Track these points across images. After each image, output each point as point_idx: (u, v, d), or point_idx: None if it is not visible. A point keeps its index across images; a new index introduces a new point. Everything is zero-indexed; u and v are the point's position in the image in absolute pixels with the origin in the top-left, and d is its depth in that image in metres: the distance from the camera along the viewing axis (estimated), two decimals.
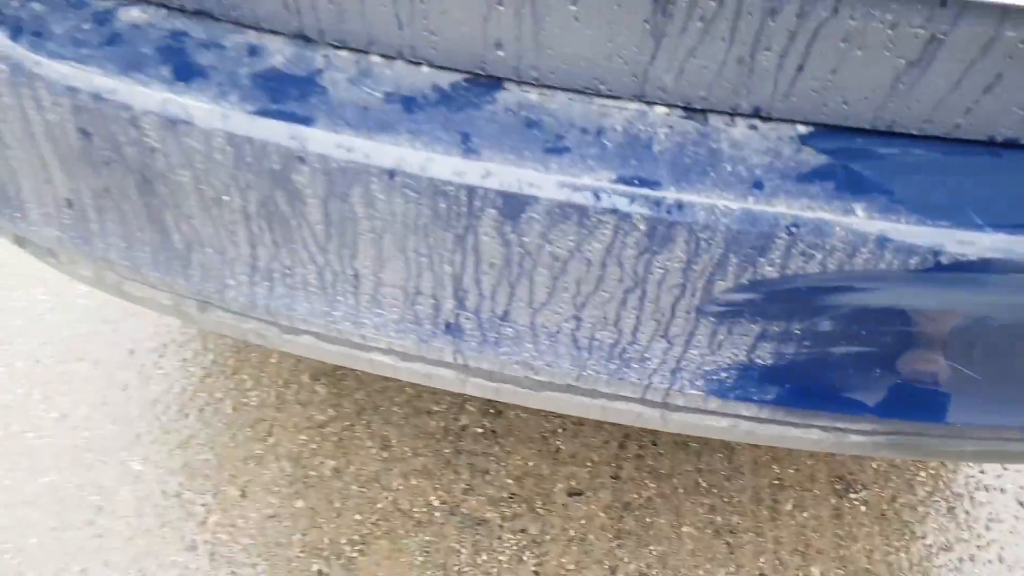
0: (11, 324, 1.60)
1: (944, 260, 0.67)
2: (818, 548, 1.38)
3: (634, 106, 0.74)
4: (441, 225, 0.71)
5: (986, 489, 1.49)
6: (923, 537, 1.41)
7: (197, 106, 0.70)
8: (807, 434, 0.85)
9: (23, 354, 1.57)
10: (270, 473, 1.41)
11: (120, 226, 0.84)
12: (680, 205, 0.67)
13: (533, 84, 0.75)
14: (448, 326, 0.81)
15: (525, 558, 1.33)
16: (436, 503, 1.39)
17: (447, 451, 1.47)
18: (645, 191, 0.67)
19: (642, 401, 0.85)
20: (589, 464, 1.47)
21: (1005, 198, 0.69)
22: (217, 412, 1.50)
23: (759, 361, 0.78)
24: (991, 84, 0.67)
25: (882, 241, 0.66)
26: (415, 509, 1.38)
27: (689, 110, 0.74)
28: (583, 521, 1.38)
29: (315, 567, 1.30)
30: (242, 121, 0.70)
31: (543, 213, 0.69)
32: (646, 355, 0.79)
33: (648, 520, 1.39)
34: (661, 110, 0.74)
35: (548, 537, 1.36)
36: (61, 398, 1.50)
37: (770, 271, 0.69)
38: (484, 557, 1.33)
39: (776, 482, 1.46)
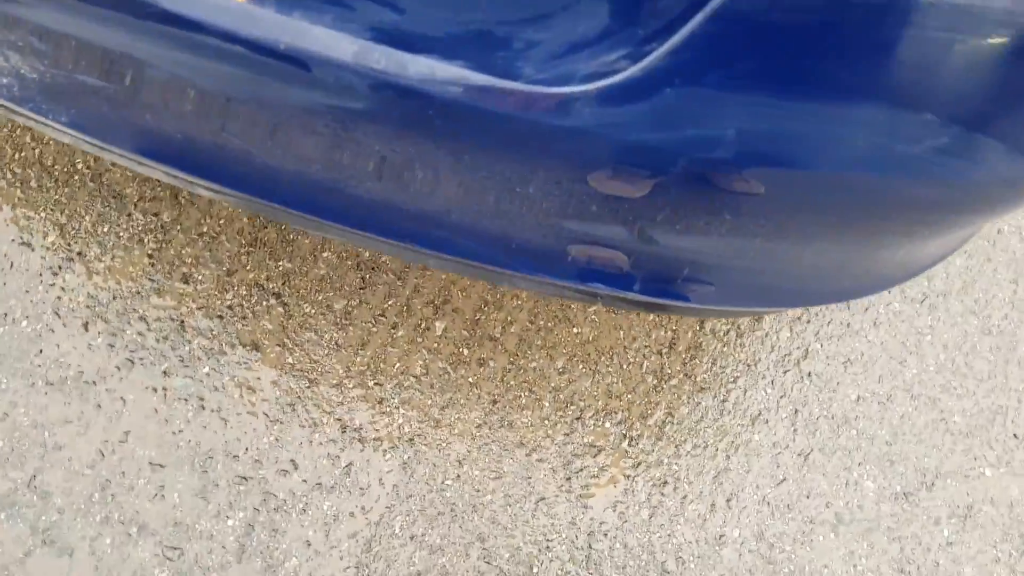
0: None
1: None
2: (456, 307, 1.31)
3: None
4: None
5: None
6: (573, 325, 1.33)
7: None
8: None
9: None
10: None
11: None
12: None
13: None
14: None
15: (145, 240, 1.28)
16: (81, 167, 1.32)
17: None
18: None
19: None
20: None
21: None
22: None
23: None
24: None
25: None
26: (57, 167, 1.31)
27: None
28: (223, 222, 1.31)
29: None
30: None
31: None
32: None
33: (291, 238, 1.31)
34: None
35: (179, 227, 1.30)
36: None
37: None
38: (105, 228, 1.28)
39: None
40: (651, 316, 1.35)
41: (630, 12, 0.51)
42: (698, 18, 0.48)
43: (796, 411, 1.32)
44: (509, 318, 1.31)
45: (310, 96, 0.56)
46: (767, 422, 1.31)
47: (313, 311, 1.28)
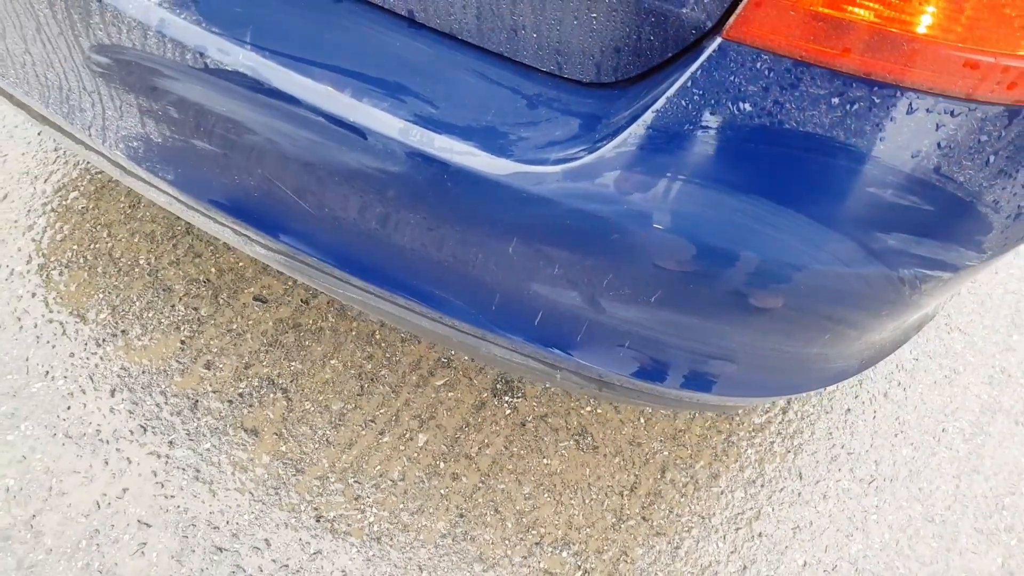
0: None
1: None
2: (440, 423, 1.45)
3: None
4: None
5: (638, 444, 1.50)
6: (544, 456, 1.45)
7: None
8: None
9: None
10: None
11: None
12: None
13: None
14: None
15: (182, 328, 1.47)
16: (143, 262, 1.55)
17: (179, 228, 1.61)
18: None
19: None
20: (289, 283, 1.58)
21: None
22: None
23: None
24: None
25: None
26: (123, 259, 1.54)
27: None
28: (251, 322, 1.51)
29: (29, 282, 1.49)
30: None
31: None
32: None
33: (307, 343, 1.50)
34: None
35: (213, 322, 1.49)
36: None
37: None
38: (150, 315, 1.48)
39: (445, 360, 1.53)
40: (616, 459, 1.47)
41: (591, 125, 0.73)
42: (632, 127, 0.70)
43: (744, 567, 1.39)
44: (487, 441, 1.45)
45: (363, 159, 0.78)
46: (716, 574, 1.38)
47: (312, 408, 1.43)
